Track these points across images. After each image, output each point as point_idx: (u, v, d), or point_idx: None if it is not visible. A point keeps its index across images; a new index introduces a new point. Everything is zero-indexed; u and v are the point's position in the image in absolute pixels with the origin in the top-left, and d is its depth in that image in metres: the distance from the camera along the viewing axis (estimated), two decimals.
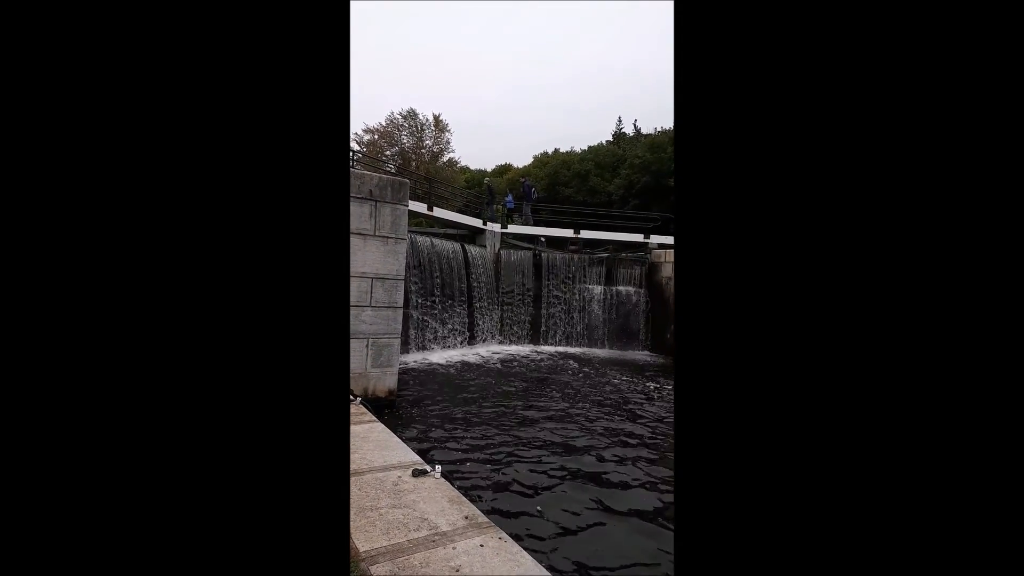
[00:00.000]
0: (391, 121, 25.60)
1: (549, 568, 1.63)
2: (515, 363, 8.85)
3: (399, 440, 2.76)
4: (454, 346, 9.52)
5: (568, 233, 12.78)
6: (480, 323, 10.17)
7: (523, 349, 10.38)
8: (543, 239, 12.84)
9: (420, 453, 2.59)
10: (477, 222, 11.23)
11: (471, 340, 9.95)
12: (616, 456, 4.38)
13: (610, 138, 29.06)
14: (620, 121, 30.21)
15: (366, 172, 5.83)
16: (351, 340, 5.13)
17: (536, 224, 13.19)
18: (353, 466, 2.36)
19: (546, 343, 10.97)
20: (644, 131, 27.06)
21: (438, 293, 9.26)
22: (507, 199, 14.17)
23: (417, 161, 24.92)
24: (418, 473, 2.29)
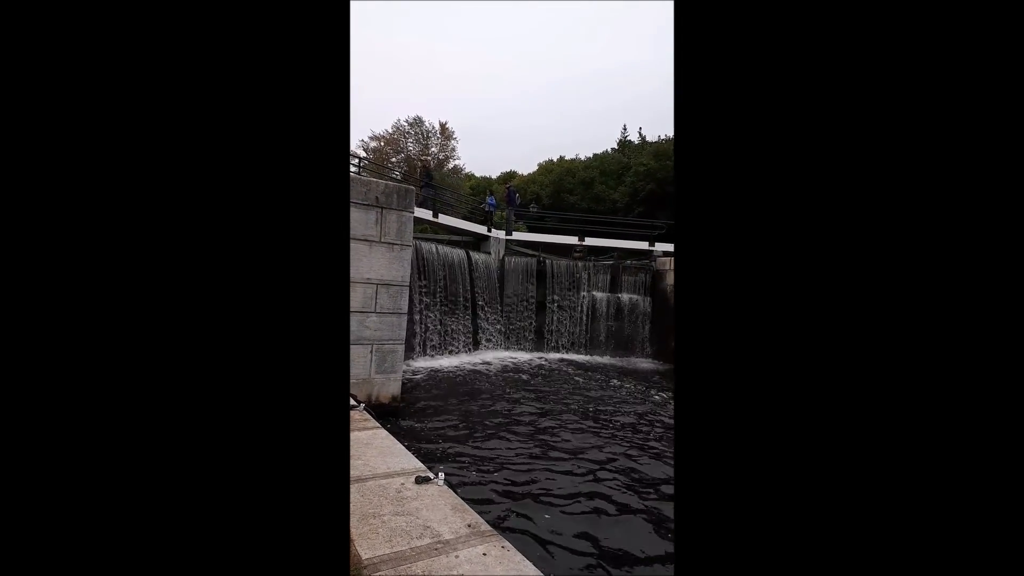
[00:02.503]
0: (397, 128, 25.81)
1: None
2: (519, 370, 8.82)
3: (402, 447, 2.75)
4: (458, 353, 9.51)
5: (573, 240, 12.79)
6: (484, 330, 10.16)
7: (527, 356, 10.35)
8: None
9: (423, 460, 2.58)
10: (482, 229, 11.26)
11: (475, 347, 9.94)
12: (623, 465, 4.35)
13: (615, 145, 29.15)
14: (625, 129, 30.39)
15: (372, 179, 5.87)
16: (355, 346, 5.13)
17: (534, 231, 13.19)
18: (356, 472, 2.35)
19: (550, 350, 10.94)
20: (649, 139, 27.11)
21: (442, 300, 9.27)
22: (489, 199, 13.25)
23: (423, 168, 25.06)
24: (421, 480, 2.28)
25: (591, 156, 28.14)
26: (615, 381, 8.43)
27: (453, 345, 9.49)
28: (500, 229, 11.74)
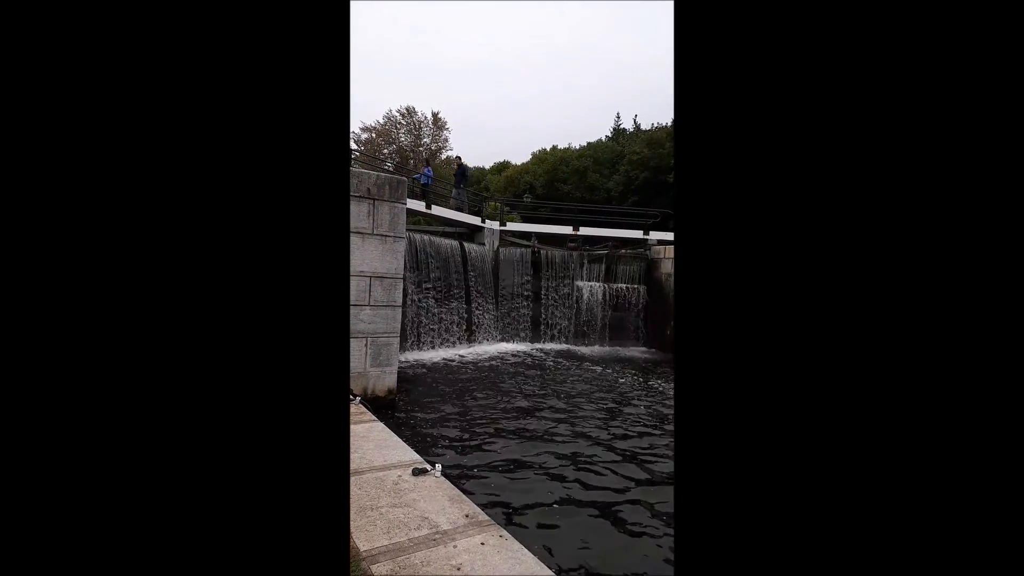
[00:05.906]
0: (389, 119, 25.53)
1: (550, 565, 1.63)
2: (514, 361, 8.84)
3: (399, 439, 2.76)
4: (453, 344, 9.52)
5: (567, 230, 12.75)
6: (479, 321, 10.16)
7: (522, 347, 10.37)
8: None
9: (420, 452, 2.59)
10: (476, 220, 11.20)
11: (470, 338, 9.94)
12: (621, 454, 4.39)
13: (609, 134, 28.95)
14: (619, 117, 30.11)
15: (364, 171, 5.81)
16: (350, 339, 5.12)
17: (528, 221, 13.10)
18: (353, 465, 2.36)
19: (545, 340, 10.97)
20: (643, 127, 26.94)
21: (437, 292, 9.24)
22: (425, 170, 12.32)
23: (415, 159, 24.86)
24: (418, 472, 2.28)
25: (584, 145, 27.98)
26: (612, 370, 8.47)
27: (448, 337, 9.49)
28: (494, 220, 11.67)
